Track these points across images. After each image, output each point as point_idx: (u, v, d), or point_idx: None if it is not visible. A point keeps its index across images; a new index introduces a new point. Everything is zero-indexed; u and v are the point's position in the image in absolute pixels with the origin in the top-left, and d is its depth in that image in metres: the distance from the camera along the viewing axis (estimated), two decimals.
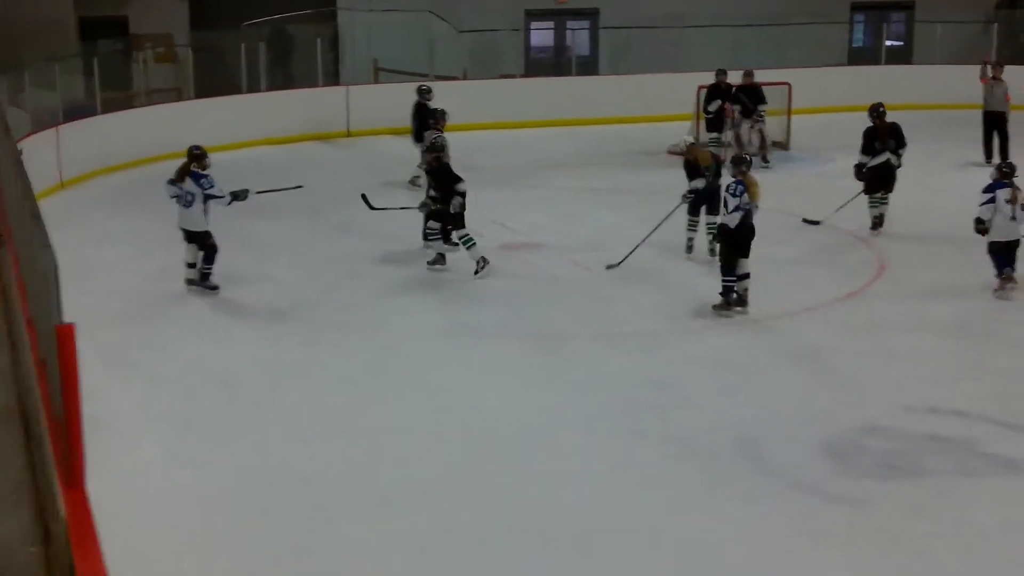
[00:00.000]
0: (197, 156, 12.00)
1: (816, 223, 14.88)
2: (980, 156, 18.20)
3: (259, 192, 12.76)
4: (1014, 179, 12.01)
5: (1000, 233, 11.92)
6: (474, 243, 12.87)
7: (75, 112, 18.63)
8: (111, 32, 23.79)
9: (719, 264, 11.68)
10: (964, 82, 20.89)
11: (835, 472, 8.22)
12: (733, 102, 18.74)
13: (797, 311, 11.67)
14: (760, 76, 18.97)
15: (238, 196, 12.17)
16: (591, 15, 27.33)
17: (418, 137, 15.90)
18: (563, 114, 22.80)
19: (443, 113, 14.90)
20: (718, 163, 13.39)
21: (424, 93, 16.86)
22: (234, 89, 21.60)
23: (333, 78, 23.53)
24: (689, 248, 13.34)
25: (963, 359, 10.46)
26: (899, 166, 14.38)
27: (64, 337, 6.32)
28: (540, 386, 9.82)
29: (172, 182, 12.05)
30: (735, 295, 11.51)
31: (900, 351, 10.59)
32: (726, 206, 11.48)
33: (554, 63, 27.03)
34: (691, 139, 13.28)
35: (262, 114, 21.16)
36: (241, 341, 10.99)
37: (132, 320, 11.53)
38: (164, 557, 7.07)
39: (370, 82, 23.97)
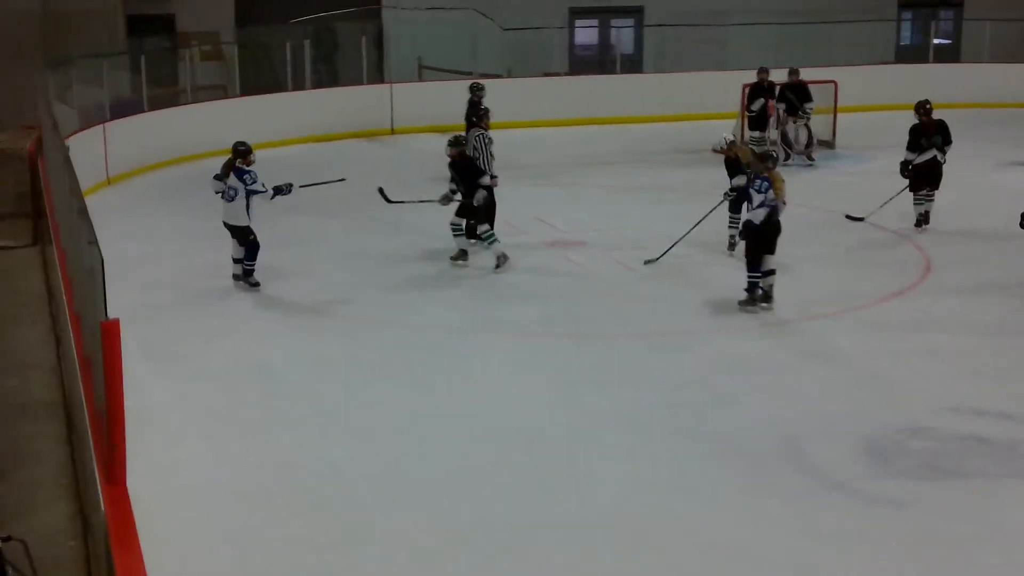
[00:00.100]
0: (242, 152, 12.08)
1: (859, 219, 14.79)
2: None
3: (303, 186, 12.82)
4: None
5: None
6: (496, 239, 12.94)
7: (122, 109, 18.81)
8: (158, 29, 24.03)
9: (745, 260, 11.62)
10: (1014, 80, 20.72)
11: (876, 473, 8.15)
12: (779, 100, 18.66)
13: (841, 310, 11.59)
14: (806, 74, 18.86)
15: (281, 190, 12.22)
16: (636, 13, 27.28)
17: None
18: (607, 112, 22.79)
19: (486, 111, 14.91)
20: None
21: (475, 90, 16.95)
22: (279, 87, 21.76)
23: (377, 76, 23.64)
24: (731, 245, 13.29)
25: (1008, 360, 10.33)
26: (943, 163, 14.27)
27: (108, 332, 6.39)
28: (580, 384, 9.80)
29: (217, 177, 12.15)
30: (760, 291, 11.50)
31: (945, 351, 10.50)
32: (751, 202, 11.47)
33: (598, 61, 27.03)
34: (732, 137, 13.24)
35: (306, 112, 21.28)
36: (282, 336, 11.05)
37: (175, 315, 11.63)
38: (202, 552, 7.11)
39: (414, 80, 24.04)
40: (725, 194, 13.04)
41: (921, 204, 14.46)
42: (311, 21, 24.20)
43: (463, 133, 14.10)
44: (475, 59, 24.12)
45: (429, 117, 21.21)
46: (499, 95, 17.84)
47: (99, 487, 6.52)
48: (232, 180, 12.01)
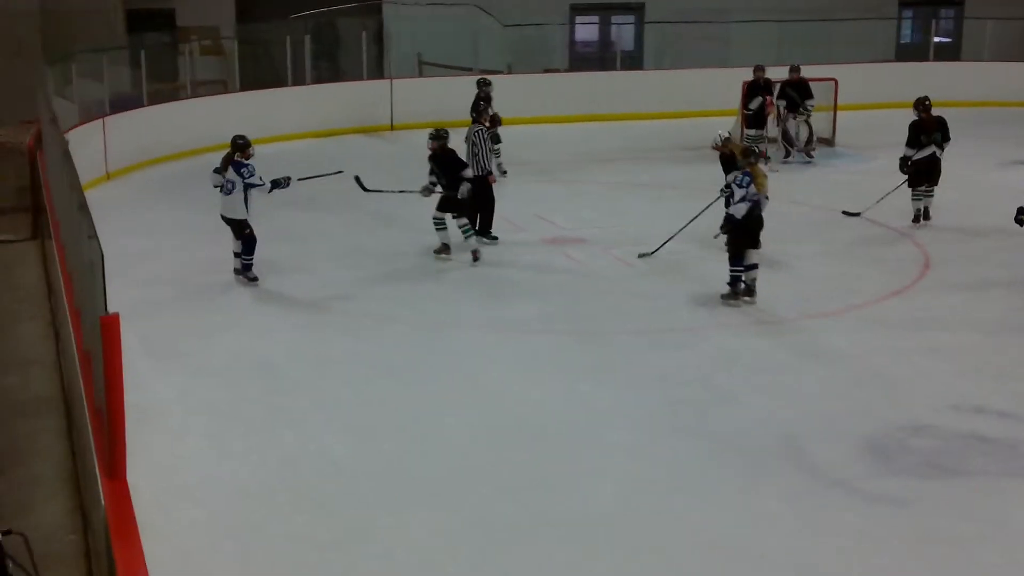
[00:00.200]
0: (240, 145, 12.08)
1: (855, 215, 14.86)
2: None
3: (300, 179, 12.81)
4: None
5: None
6: (473, 233, 13.08)
7: (121, 103, 18.80)
8: (158, 24, 24.02)
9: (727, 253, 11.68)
10: (1014, 79, 20.72)
11: (878, 471, 8.14)
12: (780, 97, 18.65)
13: (842, 308, 11.58)
14: (806, 72, 18.84)
15: (279, 184, 12.22)
16: (636, 9, 27.27)
17: None
18: (607, 109, 22.78)
19: (485, 107, 14.87)
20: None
21: (480, 85, 17.14)
22: (279, 82, 21.74)
23: (377, 71, 23.60)
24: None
25: (1009, 358, 10.32)
26: (940, 159, 14.33)
27: (108, 327, 6.38)
28: (580, 381, 9.79)
29: (217, 171, 12.15)
30: (743, 285, 11.56)
31: (945, 349, 10.49)
32: (732, 197, 11.53)
33: (599, 58, 27.00)
34: (726, 134, 13.22)
35: (306, 107, 21.27)
36: (283, 332, 11.03)
37: (176, 311, 11.61)
38: (204, 548, 7.10)
39: (414, 76, 24.02)
40: (721, 190, 13.04)
41: (919, 200, 14.51)
42: (311, 16, 24.18)
43: (480, 128, 14.06)
44: (475, 55, 24.10)
45: (429, 113, 21.12)
46: (500, 92, 17.82)
47: (99, 482, 6.51)
48: (230, 173, 12.01)
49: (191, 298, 12.02)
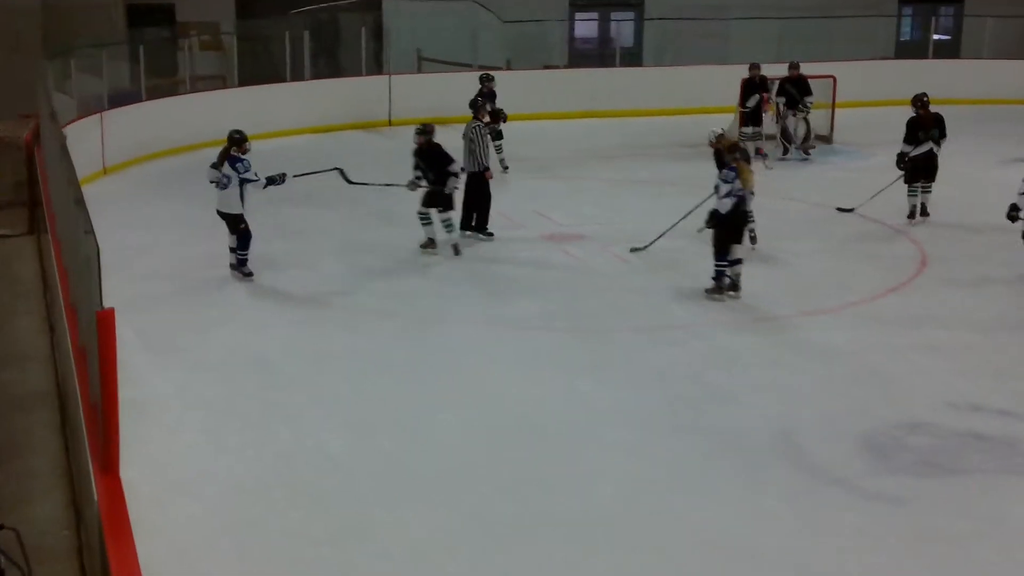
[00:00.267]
0: (237, 140, 12.06)
1: (849, 211, 14.89)
2: None
3: (296, 176, 12.80)
4: None
5: None
6: (455, 228, 13.19)
7: (120, 98, 18.77)
8: (158, 19, 23.99)
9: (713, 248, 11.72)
10: (1013, 77, 20.71)
11: (875, 469, 8.13)
12: (779, 94, 18.64)
13: (839, 305, 11.57)
14: (805, 69, 18.84)
15: (274, 180, 12.20)
16: (636, 6, 27.25)
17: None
18: (607, 106, 22.76)
19: (483, 103, 14.84)
20: (747, 153, 13.40)
21: (482, 80, 17.37)
22: (278, 77, 21.70)
23: (376, 67, 23.57)
24: (752, 239, 13.30)
25: (1007, 356, 10.31)
26: (937, 155, 14.35)
27: (104, 322, 6.37)
28: (578, 378, 9.77)
29: (214, 166, 12.12)
30: (728, 280, 11.60)
31: (943, 347, 10.48)
32: (718, 191, 11.56)
33: (598, 54, 26.97)
34: (719, 130, 13.21)
35: (305, 102, 21.25)
36: (281, 327, 11.01)
37: (173, 305, 11.59)
38: (199, 543, 7.08)
39: (413, 72, 23.99)
40: (716, 187, 13.03)
41: (915, 196, 14.53)
42: (311, 12, 24.16)
43: (477, 124, 14.04)
44: (475, 51, 24.05)
45: (428, 109, 21.07)
46: (499, 88, 17.79)
47: (93, 478, 6.50)
48: (226, 168, 11.99)
49: (188, 293, 11.99)
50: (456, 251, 13.14)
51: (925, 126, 14.33)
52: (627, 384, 9.64)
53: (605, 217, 15.01)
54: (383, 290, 12.19)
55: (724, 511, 7.54)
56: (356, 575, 6.84)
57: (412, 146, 13.20)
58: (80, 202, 7.95)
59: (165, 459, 8.16)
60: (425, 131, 13.09)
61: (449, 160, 12.98)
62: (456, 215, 13.30)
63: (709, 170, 13.92)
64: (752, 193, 11.67)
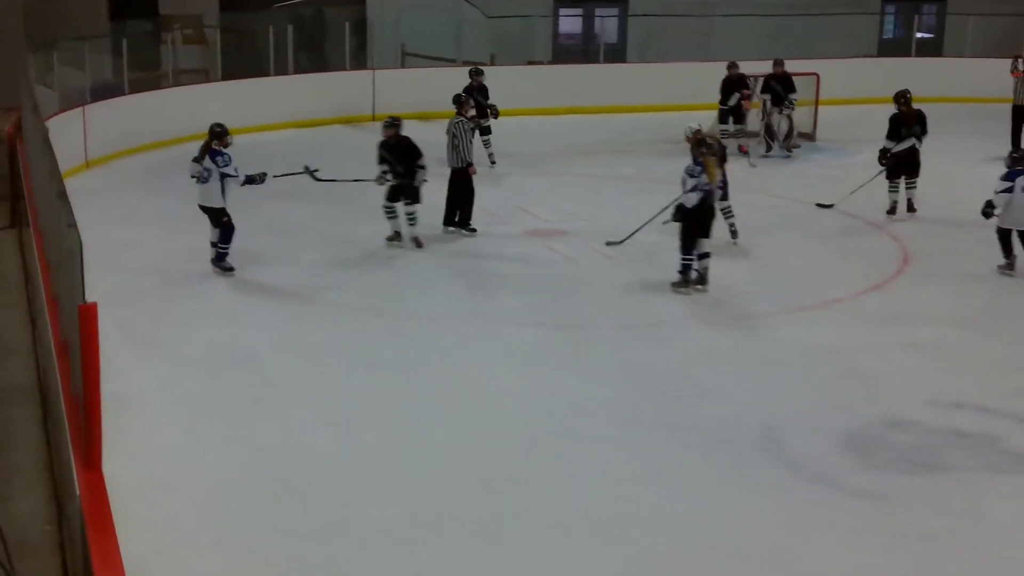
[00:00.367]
0: (217, 134, 12.03)
1: (829, 207, 14.97)
2: (1008, 150, 18.07)
3: (276, 176, 12.80)
4: None
5: (1014, 221, 12.23)
6: (417, 222, 13.20)
7: (102, 92, 18.70)
8: (141, 12, 23.85)
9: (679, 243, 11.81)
10: (995, 75, 20.75)
11: (856, 465, 8.17)
12: (764, 91, 18.67)
13: (822, 303, 11.60)
14: (788, 66, 18.87)
15: (253, 180, 12.17)
16: (620, 2, 27.25)
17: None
18: (591, 102, 22.76)
19: (467, 99, 14.80)
20: (724, 148, 13.58)
21: (471, 75, 17.60)
22: (262, 72, 21.64)
23: (360, 62, 23.52)
24: (733, 234, 13.37)
25: (987, 353, 10.36)
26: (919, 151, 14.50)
27: (86, 316, 6.35)
28: (562, 374, 9.78)
29: (196, 160, 12.09)
30: (696, 273, 11.70)
31: (925, 344, 10.52)
32: (684, 186, 11.65)
33: (582, 50, 26.96)
34: (696, 125, 13.24)
35: (289, 97, 21.19)
36: (264, 323, 10.99)
37: (156, 300, 11.56)
38: (180, 538, 7.07)
39: (397, 66, 23.95)
40: (682, 181, 13.06)
41: (896, 192, 14.62)
42: (294, 6, 24.10)
43: (461, 119, 14.02)
44: (459, 47, 24.01)
45: (411, 104, 21.08)
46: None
47: (75, 472, 6.48)
48: (207, 162, 11.96)
49: (171, 287, 11.96)
50: (418, 244, 13.18)
51: (908, 122, 14.41)
52: (611, 380, 9.65)
53: (589, 213, 15.02)
54: (367, 286, 12.18)
55: (707, 507, 7.56)
56: (340, 571, 6.83)
57: (380, 139, 13.19)
58: (63, 195, 7.93)
59: (147, 454, 8.14)
60: (393, 124, 13.20)
61: (418, 153, 13.02)
62: (421, 208, 13.29)
63: None
64: (720, 187, 11.86)
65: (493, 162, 17.54)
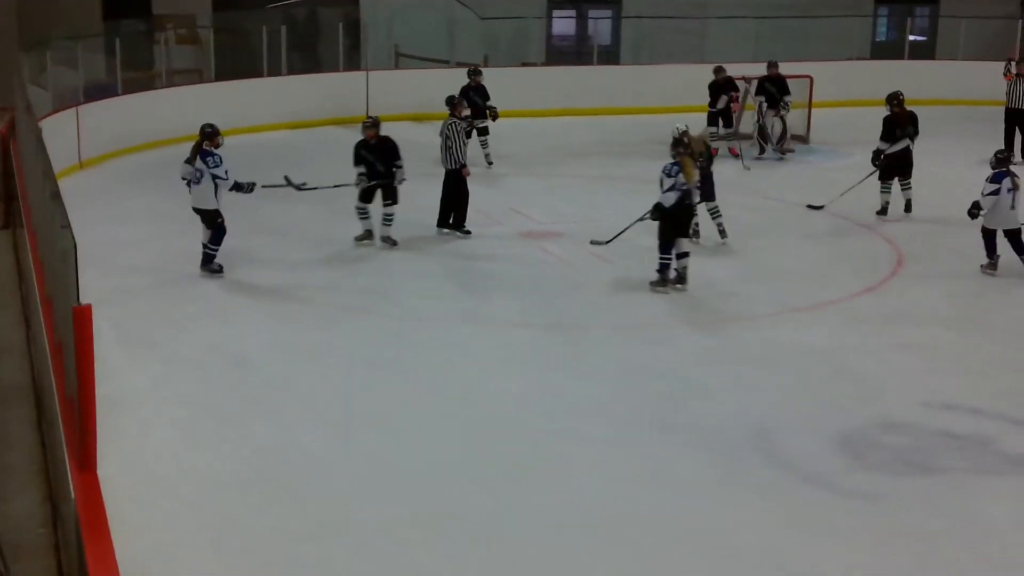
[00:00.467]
0: (208, 134, 12.01)
1: (819, 208, 15.01)
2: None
3: (264, 187, 12.85)
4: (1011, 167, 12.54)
5: (1000, 221, 12.34)
6: (393, 222, 13.28)
7: (96, 92, 18.67)
8: (134, 12, 23.83)
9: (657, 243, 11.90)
10: (987, 78, 20.82)
11: (849, 466, 8.19)
12: (759, 92, 18.69)
13: (815, 304, 11.63)
14: (781, 69, 18.88)
15: (241, 188, 12.14)
16: (614, 4, 27.27)
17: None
18: (584, 103, 22.78)
19: (461, 100, 14.81)
20: (710, 149, 13.71)
21: (469, 75, 17.67)
22: (255, 72, 21.62)
23: (354, 63, 23.51)
24: (695, 233, 13.39)
25: (980, 355, 10.39)
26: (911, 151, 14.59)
27: (81, 317, 6.35)
28: (556, 375, 9.80)
29: (187, 161, 12.07)
30: (675, 272, 11.78)
31: (918, 346, 10.54)
32: (661, 185, 11.73)
33: (576, 52, 26.98)
34: (683, 126, 13.26)
35: (282, 97, 21.18)
36: (258, 323, 10.99)
37: (149, 300, 11.54)
38: (176, 540, 7.07)
39: (391, 67, 23.95)
40: (660, 181, 13.09)
41: (888, 192, 14.69)
42: (288, 6, 24.08)
43: (458, 120, 14.03)
44: (452, 48, 24.02)
45: (405, 105, 21.14)
46: None
47: (69, 474, 6.47)
48: (199, 162, 11.94)
49: (165, 287, 11.95)
50: (392, 243, 13.26)
51: (901, 124, 14.50)
52: (606, 380, 9.67)
53: (582, 214, 15.04)
54: (361, 286, 12.18)
55: (703, 507, 7.58)
56: (334, 571, 6.83)
57: (362, 140, 13.21)
58: (56, 196, 7.93)
59: (142, 455, 8.14)
60: (375, 124, 13.27)
61: (398, 154, 13.12)
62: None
63: None
64: (697, 188, 11.92)
65: (490, 163, 17.58)
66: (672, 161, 11.72)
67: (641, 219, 12.26)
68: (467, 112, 14.91)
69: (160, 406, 9.06)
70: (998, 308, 11.88)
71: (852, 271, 12.75)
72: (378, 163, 13.10)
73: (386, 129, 13.53)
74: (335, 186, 13.73)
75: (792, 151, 19.03)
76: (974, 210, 12.37)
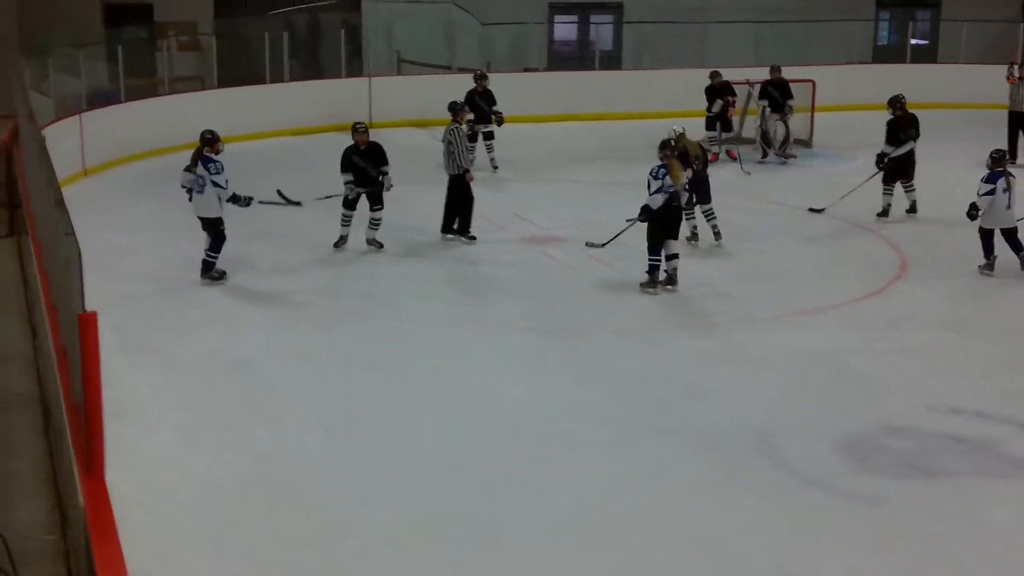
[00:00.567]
0: (208, 140, 12.02)
1: (820, 211, 15.05)
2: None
3: (261, 202, 12.92)
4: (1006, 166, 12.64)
5: (997, 221, 12.44)
6: (380, 226, 13.38)
7: (99, 99, 18.69)
8: (136, 19, 23.87)
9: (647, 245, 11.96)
10: (989, 82, 20.82)
11: (853, 470, 8.19)
12: (762, 97, 18.70)
13: (818, 307, 11.63)
14: (783, 73, 18.89)
15: (238, 200, 12.11)
16: (615, 9, 27.28)
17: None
18: (586, 108, 22.78)
19: (463, 106, 14.82)
20: (706, 153, 13.84)
21: (475, 79, 17.70)
22: (257, 79, 21.64)
23: (356, 69, 23.55)
24: (693, 236, 13.43)
25: (983, 358, 10.39)
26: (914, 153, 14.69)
27: (86, 325, 6.37)
28: (557, 378, 9.81)
29: (188, 169, 12.08)
30: (666, 274, 11.89)
31: (921, 349, 10.55)
32: (648, 188, 11.81)
33: (577, 57, 26.99)
34: (680, 129, 13.30)
35: (284, 104, 21.19)
36: (259, 328, 11.02)
37: (152, 307, 11.58)
38: (178, 545, 7.08)
39: (393, 74, 23.97)
40: (647, 183, 13.11)
41: (890, 195, 14.74)
42: (290, 13, 24.11)
43: (456, 127, 14.05)
44: (454, 54, 24.05)
45: (407, 111, 21.18)
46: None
47: (77, 480, 6.49)
48: (199, 169, 11.95)
49: (168, 294, 11.98)
50: (378, 246, 13.36)
51: (904, 126, 14.58)
52: (606, 384, 9.68)
53: (584, 219, 15.03)
54: (362, 291, 12.21)
55: (703, 510, 7.60)
56: (338, 575, 6.85)
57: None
58: (61, 204, 7.94)
59: (145, 460, 8.16)
60: (366, 129, 13.39)
61: (386, 159, 13.28)
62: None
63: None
64: (686, 190, 12.00)
65: (495, 167, 17.62)
66: (660, 163, 11.76)
67: (629, 221, 12.30)
68: (470, 117, 14.93)
69: (162, 411, 9.08)
70: (1000, 310, 11.90)
71: (853, 273, 12.76)
72: (369, 168, 13.16)
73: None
74: (326, 197, 13.76)
75: (795, 156, 19.03)
76: (973, 211, 12.44)
